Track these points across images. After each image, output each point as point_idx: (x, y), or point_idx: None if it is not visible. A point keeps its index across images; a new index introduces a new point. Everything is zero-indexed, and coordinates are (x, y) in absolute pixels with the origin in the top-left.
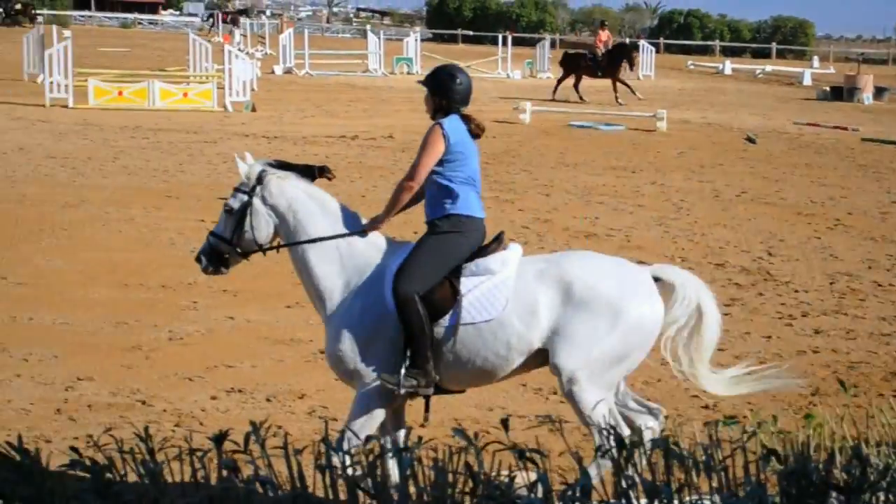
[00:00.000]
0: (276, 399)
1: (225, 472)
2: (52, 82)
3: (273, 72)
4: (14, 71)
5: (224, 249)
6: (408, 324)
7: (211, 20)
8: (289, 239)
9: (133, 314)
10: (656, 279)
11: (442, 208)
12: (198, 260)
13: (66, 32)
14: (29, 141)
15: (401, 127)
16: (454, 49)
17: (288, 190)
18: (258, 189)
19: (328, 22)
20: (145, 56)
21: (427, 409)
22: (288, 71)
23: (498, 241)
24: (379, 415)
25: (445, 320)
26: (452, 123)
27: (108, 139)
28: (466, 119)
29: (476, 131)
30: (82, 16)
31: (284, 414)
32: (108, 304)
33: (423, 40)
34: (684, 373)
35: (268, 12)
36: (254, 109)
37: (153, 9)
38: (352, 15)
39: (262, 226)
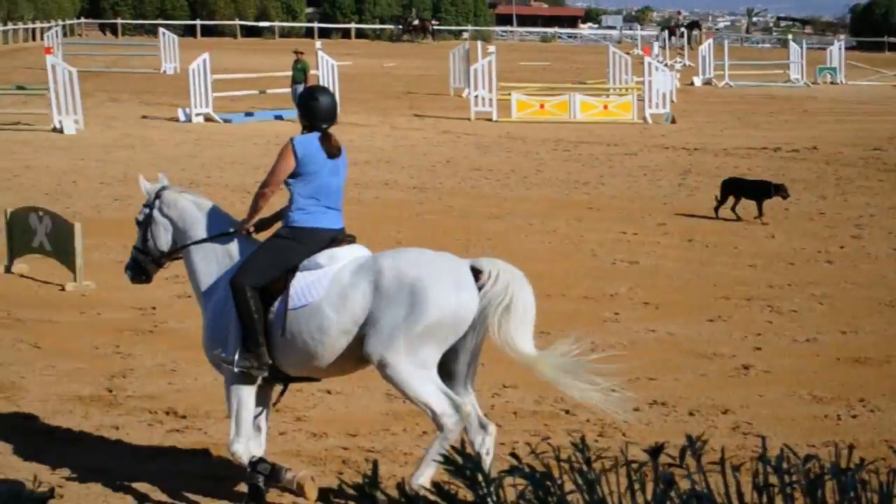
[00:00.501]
0: (699, 413)
1: (661, 486)
2: (476, 96)
3: (692, 83)
4: (441, 86)
5: (141, 259)
6: (239, 311)
7: (665, 33)
8: (181, 244)
9: (555, 324)
10: (477, 270)
11: (287, 218)
12: (125, 270)
13: (491, 48)
14: (455, 154)
15: (825, 139)
16: (880, 58)
17: (179, 201)
18: (157, 203)
19: (748, 32)
20: (565, 69)
21: (282, 394)
22: (707, 82)
23: (336, 241)
24: (246, 396)
25: (275, 307)
26: (305, 141)
27: (530, 151)
28: (325, 138)
29: (330, 152)
30: (504, 31)
31: (707, 429)
32: None
33: (847, 49)
34: (512, 352)
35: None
36: (673, 121)
37: (572, 22)
38: (772, 24)
39: (160, 234)
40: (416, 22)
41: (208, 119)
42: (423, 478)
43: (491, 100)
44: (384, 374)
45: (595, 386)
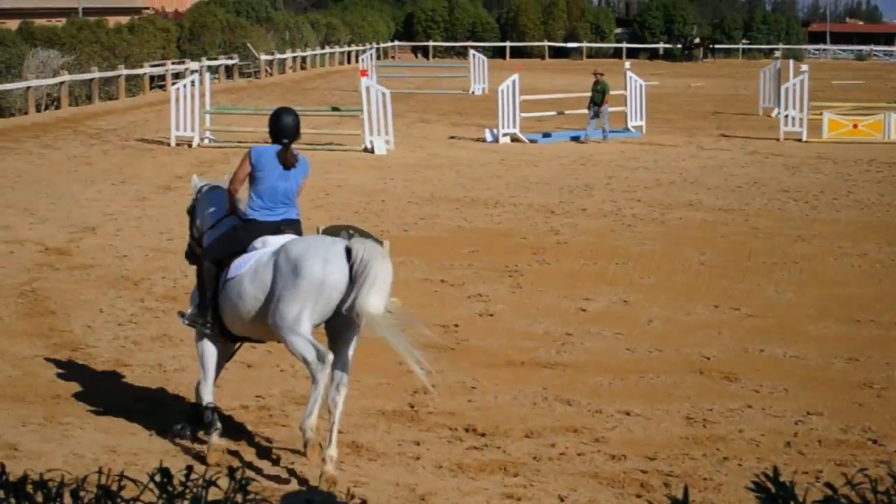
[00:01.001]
0: None
1: None
2: (786, 116)
3: None
4: (750, 105)
5: (192, 243)
6: (198, 279)
7: None
8: (204, 229)
9: (864, 350)
10: (350, 250)
11: (247, 213)
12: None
13: (803, 67)
14: (763, 174)
15: None
16: None
17: (207, 196)
18: (198, 196)
19: None
20: (880, 88)
21: (235, 351)
22: None
23: (278, 231)
24: (209, 348)
25: (222, 276)
26: (261, 150)
27: (841, 172)
28: (283, 150)
29: (284, 162)
30: (817, 49)
31: None
32: (839, 339)
33: None
34: (360, 312)
35: None
36: None
37: (889, 39)
38: None
39: (195, 223)
40: (696, 40)
41: (514, 139)
42: (312, 419)
43: (801, 119)
44: (276, 330)
45: (411, 352)
